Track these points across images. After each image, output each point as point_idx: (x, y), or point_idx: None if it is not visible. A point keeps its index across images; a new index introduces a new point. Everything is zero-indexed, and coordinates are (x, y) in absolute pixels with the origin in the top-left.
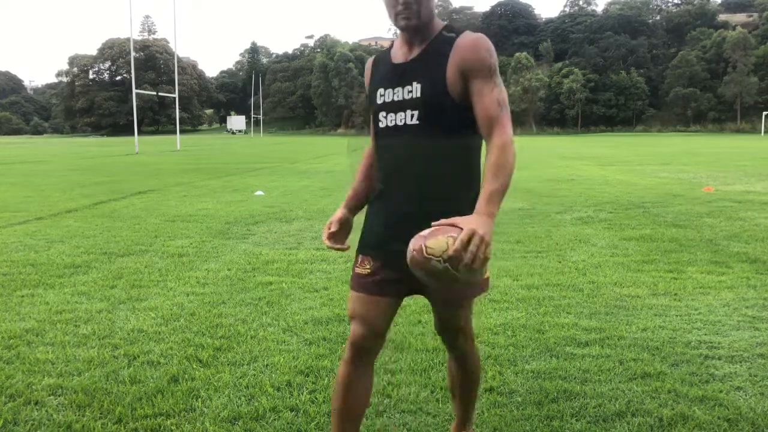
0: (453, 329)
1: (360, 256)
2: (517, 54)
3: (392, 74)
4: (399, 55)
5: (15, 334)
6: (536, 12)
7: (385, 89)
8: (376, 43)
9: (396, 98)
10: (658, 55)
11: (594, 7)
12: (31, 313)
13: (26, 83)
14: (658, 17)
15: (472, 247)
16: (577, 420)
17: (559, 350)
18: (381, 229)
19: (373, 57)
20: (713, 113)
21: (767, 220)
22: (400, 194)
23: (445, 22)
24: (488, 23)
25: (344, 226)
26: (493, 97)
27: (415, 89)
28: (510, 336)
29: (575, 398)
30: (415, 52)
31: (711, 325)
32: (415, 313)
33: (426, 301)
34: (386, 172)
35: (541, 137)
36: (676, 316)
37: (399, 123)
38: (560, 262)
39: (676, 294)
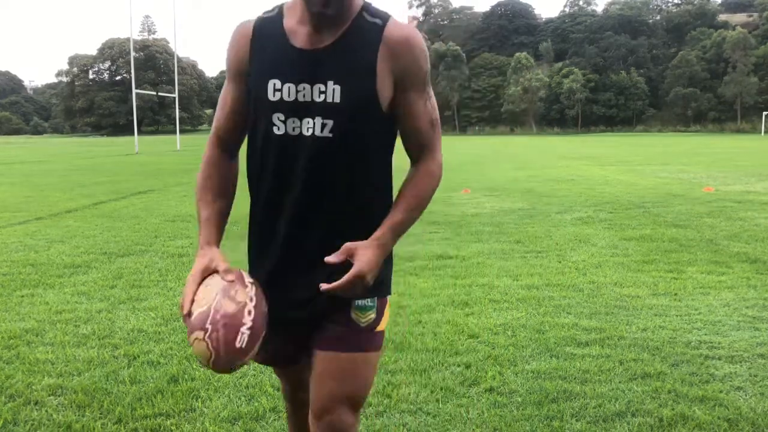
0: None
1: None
2: (517, 54)
3: (294, 63)
4: (301, 35)
5: (15, 334)
6: (536, 12)
7: (283, 82)
8: None
9: (301, 98)
10: (658, 55)
11: (594, 7)
12: (31, 313)
13: (26, 83)
14: (658, 17)
15: (351, 288)
16: (577, 420)
17: (560, 350)
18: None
19: (250, 22)
20: (713, 113)
21: (767, 221)
22: (292, 229)
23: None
24: (488, 23)
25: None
26: (428, 115)
27: (331, 92)
28: (510, 336)
29: (575, 398)
30: (327, 38)
31: (711, 325)
32: (415, 313)
33: (427, 301)
34: (274, 199)
35: (541, 137)
36: (677, 316)
37: (305, 133)
38: (560, 262)
39: (676, 294)
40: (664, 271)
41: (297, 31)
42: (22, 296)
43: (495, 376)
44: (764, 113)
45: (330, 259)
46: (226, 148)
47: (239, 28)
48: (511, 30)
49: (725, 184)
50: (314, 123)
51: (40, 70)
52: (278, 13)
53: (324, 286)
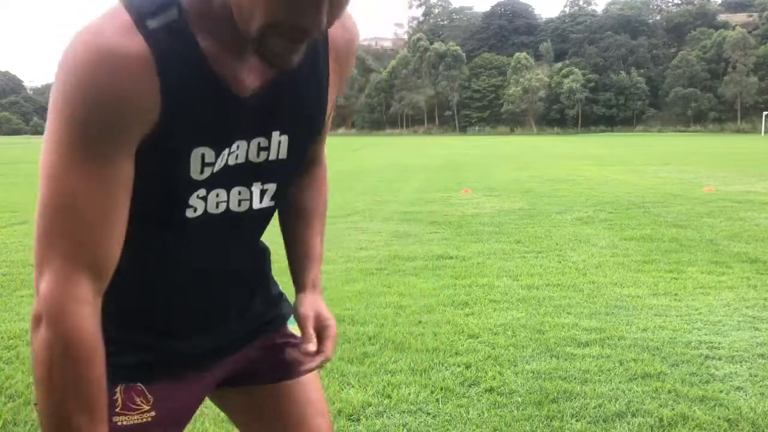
0: None
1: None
2: (517, 54)
3: (232, 118)
4: (231, 70)
5: (14, 334)
6: (536, 12)
7: (216, 150)
8: (376, 43)
9: (231, 162)
10: (658, 55)
11: (594, 7)
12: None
13: (26, 83)
14: (658, 17)
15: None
16: (577, 420)
17: (560, 350)
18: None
19: (136, 41)
20: (713, 113)
21: (767, 220)
22: (215, 293)
23: None
24: (488, 23)
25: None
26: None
27: (276, 146)
28: (510, 336)
29: (575, 398)
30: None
31: (711, 325)
32: (415, 313)
33: (427, 301)
34: (184, 284)
35: (541, 137)
36: (677, 316)
37: (235, 208)
38: (560, 262)
39: (676, 294)
40: (664, 271)
41: (224, 63)
42: (22, 296)
43: (495, 376)
44: (764, 113)
45: (309, 347)
46: (100, 288)
47: (119, 53)
48: (511, 30)
49: (725, 184)
50: (251, 193)
51: (39, 70)
52: (181, 23)
53: (315, 362)
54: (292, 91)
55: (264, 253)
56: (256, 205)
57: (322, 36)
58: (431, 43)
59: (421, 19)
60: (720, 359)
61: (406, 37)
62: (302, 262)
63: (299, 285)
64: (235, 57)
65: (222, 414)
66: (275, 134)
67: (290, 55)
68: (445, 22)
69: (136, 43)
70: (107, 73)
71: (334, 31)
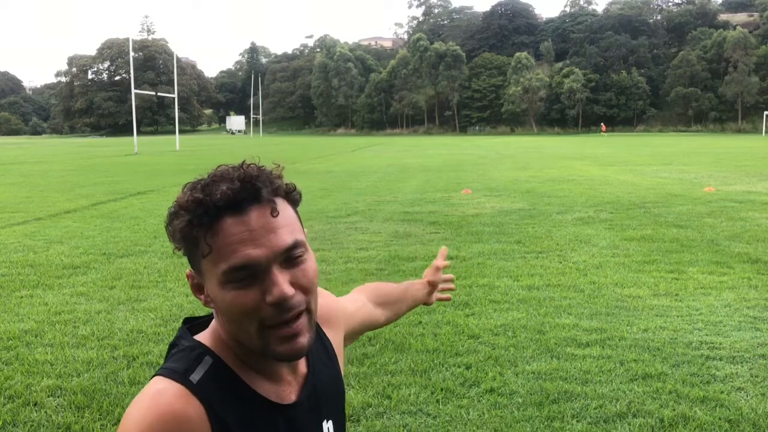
0: None
1: None
2: (518, 54)
3: (286, 428)
4: (279, 379)
5: (14, 335)
6: (536, 12)
7: None
8: (376, 42)
9: None
10: (659, 54)
11: (594, 7)
12: (30, 314)
13: (25, 83)
14: (658, 17)
15: None
16: (577, 421)
17: (560, 351)
18: None
19: (188, 403)
20: (714, 113)
21: None
22: None
23: None
24: (488, 23)
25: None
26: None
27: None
28: (510, 336)
29: (576, 399)
30: (302, 362)
31: (712, 325)
32: (415, 314)
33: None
34: None
35: (541, 137)
36: (677, 316)
37: None
38: (561, 263)
39: (677, 294)
40: (665, 271)
41: (261, 383)
42: (21, 297)
43: (495, 376)
44: (765, 113)
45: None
46: None
47: (182, 417)
48: (511, 30)
49: (726, 184)
50: None
51: (39, 70)
52: (218, 372)
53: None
54: (323, 380)
55: None
56: None
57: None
58: (431, 43)
59: (421, 18)
60: (721, 360)
61: (406, 36)
62: (400, 291)
63: (412, 290)
64: (272, 374)
65: None
66: (324, 424)
67: (297, 338)
68: (446, 22)
69: (194, 406)
70: None
71: (321, 315)
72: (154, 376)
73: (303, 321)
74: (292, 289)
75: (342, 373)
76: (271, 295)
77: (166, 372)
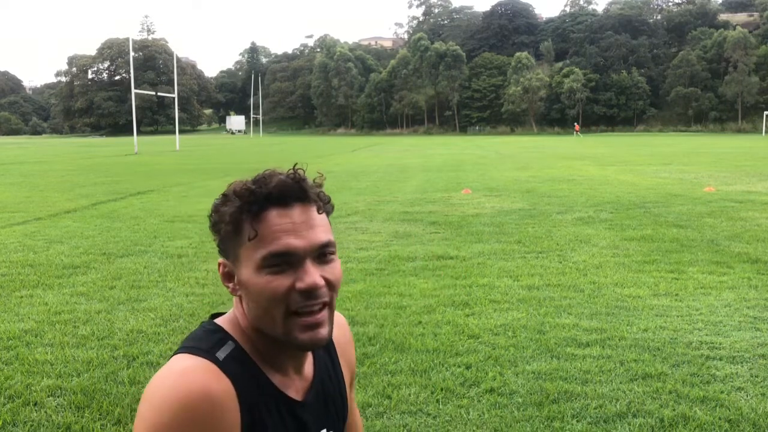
0: None
1: None
2: (518, 54)
3: (297, 424)
4: (289, 382)
5: (14, 334)
6: (536, 11)
7: None
8: (376, 42)
9: None
10: (659, 54)
11: (594, 7)
12: (30, 314)
13: (25, 83)
14: (658, 17)
15: None
16: (578, 421)
17: (560, 351)
18: None
19: (220, 383)
20: (714, 113)
21: None
22: None
23: None
24: (488, 23)
25: None
26: (356, 407)
27: None
28: (510, 336)
29: (576, 399)
30: (308, 368)
31: (712, 325)
32: (415, 313)
33: (427, 302)
34: None
35: (541, 137)
36: (677, 316)
37: None
38: (561, 263)
39: (677, 294)
40: (665, 271)
41: (276, 375)
42: (21, 297)
43: (495, 376)
44: (765, 113)
45: None
46: None
47: (213, 393)
48: (511, 30)
49: (726, 184)
50: None
51: (39, 70)
52: (240, 355)
53: None
54: (326, 391)
55: None
56: None
57: (329, 339)
58: (431, 43)
59: (421, 18)
60: (721, 360)
61: (406, 36)
62: None
63: None
64: (281, 368)
65: None
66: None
67: (318, 328)
68: (446, 22)
69: (224, 385)
70: (204, 413)
71: (337, 337)
72: (173, 355)
73: (325, 313)
74: (322, 281)
75: (348, 397)
76: (302, 282)
77: (189, 350)
